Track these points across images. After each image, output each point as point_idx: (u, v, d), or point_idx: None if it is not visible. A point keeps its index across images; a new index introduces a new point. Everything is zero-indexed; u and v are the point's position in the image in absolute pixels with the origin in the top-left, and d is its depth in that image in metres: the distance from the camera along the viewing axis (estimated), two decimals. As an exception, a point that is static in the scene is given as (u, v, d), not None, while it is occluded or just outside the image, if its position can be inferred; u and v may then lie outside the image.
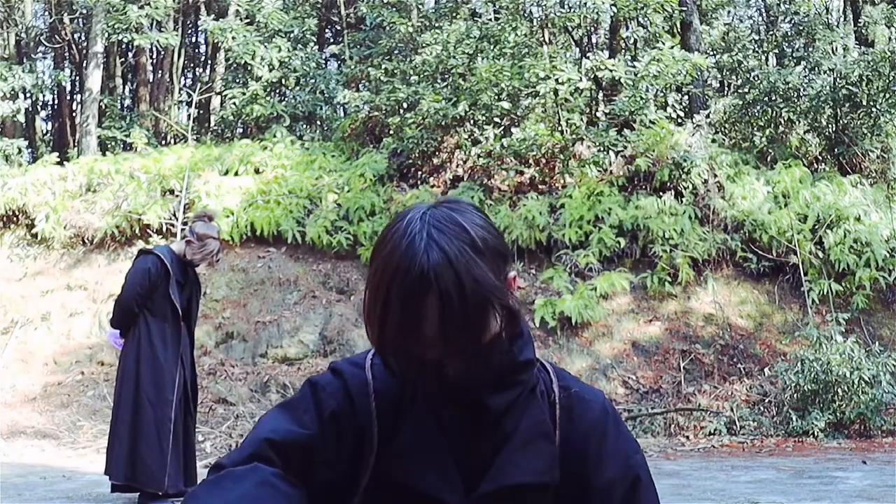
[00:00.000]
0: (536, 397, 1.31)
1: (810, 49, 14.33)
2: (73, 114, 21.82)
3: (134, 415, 5.52)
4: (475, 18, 15.41)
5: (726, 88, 15.70)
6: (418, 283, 1.17)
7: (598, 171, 11.93)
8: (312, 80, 15.94)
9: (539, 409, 1.31)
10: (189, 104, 19.78)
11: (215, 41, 17.90)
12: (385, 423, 1.29)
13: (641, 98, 12.43)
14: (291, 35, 17.07)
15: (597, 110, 14.05)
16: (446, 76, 13.69)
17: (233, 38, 15.77)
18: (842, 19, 17.68)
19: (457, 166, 12.45)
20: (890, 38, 13.87)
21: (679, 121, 12.70)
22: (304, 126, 15.62)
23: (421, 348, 1.20)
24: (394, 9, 15.68)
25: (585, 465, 1.31)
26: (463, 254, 1.20)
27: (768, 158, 12.45)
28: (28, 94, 19.84)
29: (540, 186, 12.01)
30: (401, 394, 1.31)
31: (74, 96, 22.67)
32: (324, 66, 18.06)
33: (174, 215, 11.95)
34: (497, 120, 12.64)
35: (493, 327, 1.22)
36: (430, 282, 1.17)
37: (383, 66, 14.53)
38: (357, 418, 1.29)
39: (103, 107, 17.65)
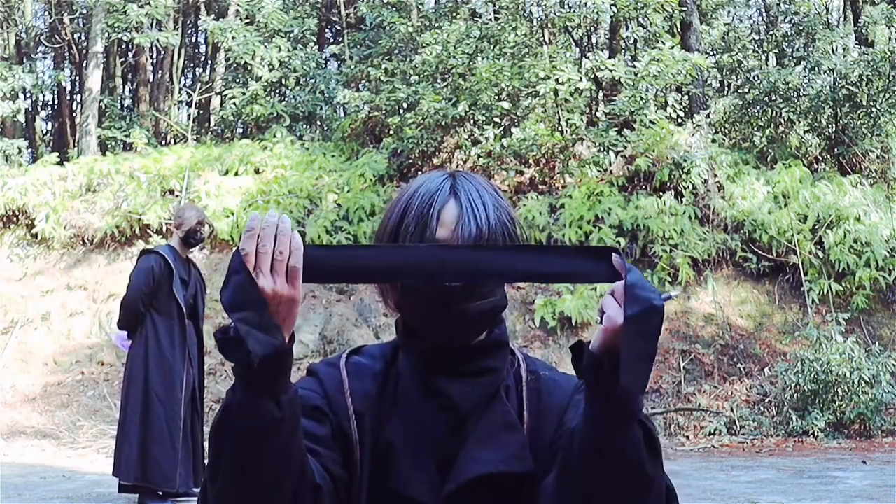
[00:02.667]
0: (500, 396, 1.29)
1: (810, 49, 14.33)
2: (73, 114, 21.81)
3: (144, 415, 5.50)
4: (475, 18, 15.41)
5: (726, 88, 15.70)
6: (442, 188, 1.28)
7: (598, 171, 11.93)
8: (312, 80, 15.94)
9: (501, 406, 1.28)
10: (189, 104, 19.79)
11: (215, 41, 17.90)
12: (363, 423, 1.26)
13: (641, 98, 12.43)
14: (291, 35, 17.07)
15: (597, 110, 14.05)
16: (446, 76, 13.68)
17: (233, 38, 15.77)
18: (842, 19, 17.68)
19: (457, 166, 12.45)
20: (890, 38, 13.87)
21: (679, 121, 12.70)
22: (304, 126, 15.61)
23: None
24: (394, 9, 15.68)
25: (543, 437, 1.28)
26: (488, 185, 1.32)
27: (768, 158, 12.45)
28: (28, 94, 19.85)
29: (540, 186, 12.01)
30: (379, 393, 1.28)
31: (74, 96, 22.67)
32: (324, 66, 18.05)
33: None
34: (497, 120, 12.64)
35: None
36: (455, 189, 1.28)
37: (383, 66, 14.53)
38: (336, 417, 1.26)
39: (103, 107, 17.65)
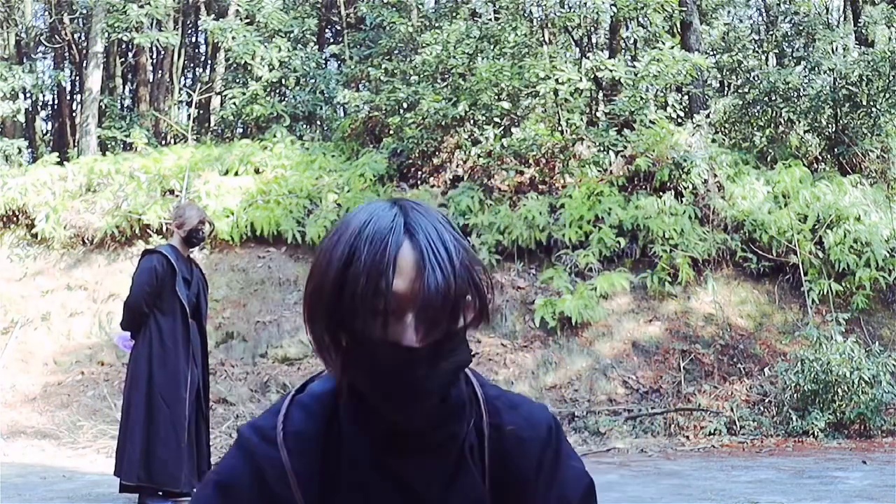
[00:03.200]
0: (467, 465, 1.14)
1: (810, 49, 14.33)
2: (73, 114, 21.82)
3: (148, 415, 5.49)
4: (475, 18, 15.41)
5: (726, 88, 15.70)
6: (395, 227, 1.05)
7: (598, 171, 11.93)
8: (312, 80, 15.95)
9: (469, 479, 1.14)
10: (189, 104, 19.79)
11: (215, 41, 17.90)
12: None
13: (641, 98, 12.44)
14: (291, 35, 17.07)
15: (597, 110, 14.05)
16: (446, 76, 13.68)
17: (233, 38, 15.77)
18: (842, 19, 17.69)
19: (457, 166, 12.45)
20: (890, 38, 13.87)
21: (679, 121, 12.70)
22: (304, 126, 15.61)
23: (389, 311, 1.03)
24: (394, 9, 15.68)
25: (522, 499, 1.18)
26: (441, 217, 1.11)
27: (768, 158, 12.46)
28: (28, 94, 19.85)
29: (540, 186, 12.01)
30: (323, 464, 1.13)
31: (74, 96, 22.68)
32: (324, 66, 18.05)
33: (174, 215, 11.94)
34: (497, 120, 12.64)
35: (464, 316, 1.07)
36: (410, 227, 1.05)
37: (383, 66, 14.53)
38: None
39: (103, 107, 17.65)
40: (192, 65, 24.54)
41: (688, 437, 8.94)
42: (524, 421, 1.20)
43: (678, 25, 14.93)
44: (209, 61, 22.70)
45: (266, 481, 1.11)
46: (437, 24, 15.12)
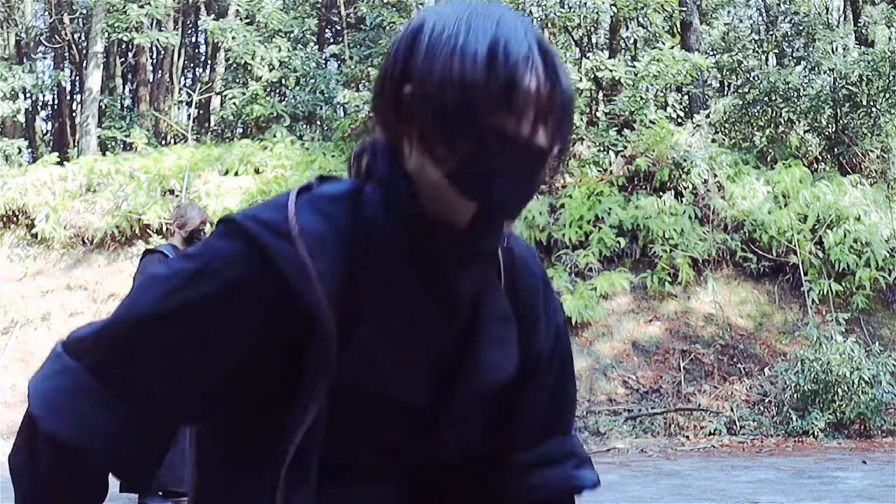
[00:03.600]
0: (493, 279, 1.12)
1: (810, 49, 14.34)
2: (73, 114, 21.82)
3: None
4: (475, 18, 15.40)
5: (726, 88, 15.71)
6: (528, 33, 1.00)
7: (598, 171, 11.93)
8: (312, 80, 15.95)
9: (499, 292, 1.12)
10: (189, 104, 19.79)
11: (215, 41, 17.89)
12: (339, 315, 0.99)
13: (641, 98, 12.44)
14: (291, 35, 17.08)
15: (597, 110, 14.05)
16: (446, 76, 13.67)
17: (233, 38, 15.78)
18: (842, 19, 17.68)
19: (457, 166, 12.46)
20: (890, 38, 13.87)
21: (679, 121, 12.71)
22: (304, 126, 15.61)
23: (527, 110, 0.99)
24: (394, 9, 15.68)
25: (527, 324, 1.16)
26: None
27: (768, 158, 12.46)
28: (28, 94, 19.85)
29: (540, 186, 12.02)
30: (347, 267, 1.01)
31: (74, 96, 22.68)
32: (324, 66, 18.06)
33: (174, 215, 11.95)
34: (497, 120, 12.64)
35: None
36: (537, 36, 1.01)
37: (383, 66, 14.52)
38: (292, 312, 0.98)
39: (103, 107, 17.65)
40: (192, 65, 24.54)
41: (688, 437, 8.95)
42: (526, 249, 1.23)
43: (678, 25, 14.94)
44: (209, 61, 22.70)
45: (280, 274, 0.97)
46: (437, 24, 15.10)
